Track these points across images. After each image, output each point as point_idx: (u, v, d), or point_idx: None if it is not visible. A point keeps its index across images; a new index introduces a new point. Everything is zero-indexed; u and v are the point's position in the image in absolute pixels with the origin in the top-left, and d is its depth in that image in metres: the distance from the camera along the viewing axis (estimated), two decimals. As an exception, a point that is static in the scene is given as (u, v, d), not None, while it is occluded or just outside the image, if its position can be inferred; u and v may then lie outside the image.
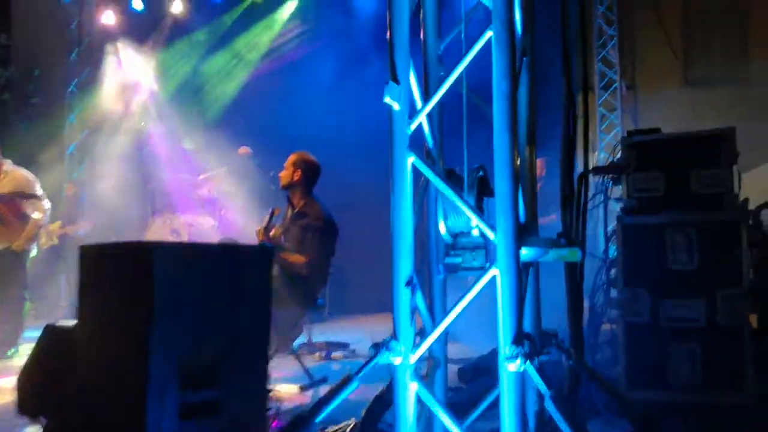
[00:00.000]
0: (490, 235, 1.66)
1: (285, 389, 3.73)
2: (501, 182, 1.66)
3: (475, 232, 1.79)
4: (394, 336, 1.74)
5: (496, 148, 1.68)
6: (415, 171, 1.81)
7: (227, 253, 2.09)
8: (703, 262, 2.90)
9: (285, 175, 4.26)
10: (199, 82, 8.61)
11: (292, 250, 4.01)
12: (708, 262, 2.90)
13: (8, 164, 5.12)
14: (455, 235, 1.89)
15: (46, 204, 5.15)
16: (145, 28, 8.52)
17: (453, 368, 3.44)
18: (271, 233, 3.95)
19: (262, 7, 8.43)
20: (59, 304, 7.21)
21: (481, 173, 1.83)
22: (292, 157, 4.26)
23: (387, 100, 1.72)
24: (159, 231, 7.09)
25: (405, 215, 1.72)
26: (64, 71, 8.87)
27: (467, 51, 1.77)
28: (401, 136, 1.75)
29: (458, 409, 1.89)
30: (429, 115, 1.88)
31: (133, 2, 8.28)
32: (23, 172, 5.14)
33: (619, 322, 3.22)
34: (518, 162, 1.72)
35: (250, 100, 8.14)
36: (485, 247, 1.79)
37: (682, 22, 8.48)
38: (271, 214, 3.86)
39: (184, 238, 7.02)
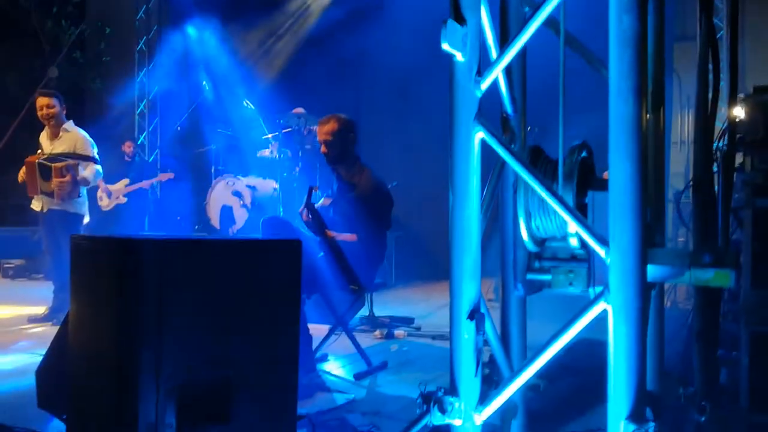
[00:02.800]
0: (600, 251, 1.09)
1: (337, 375, 3.36)
2: (619, 169, 1.09)
3: (573, 241, 1.21)
4: (452, 388, 1.21)
5: (612, 117, 1.10)
6: (488, 150, 1.25)
7: (240, 248, 1.64)
8: None
9: (332, 146, 3.42)
10: (261, 41, 8.30)
11: (343, 227, 3.52)
12: None
13: (69, 124, 4.98)
14: (543, 240, 1.33)
15: (99, 168, 4.98)
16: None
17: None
18: (317, 205, 3.48)
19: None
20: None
21: (584, 154, 1.23)
22: (332, 124, 3.41)
23: (445, 47, 1.14)
24: (221, 193, 7.06)
25: (469, 215, 1.17)
26: (133, 29, 8.82)
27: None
28: (466, 99, 1.18)
29: (539, 418, 1.43)
30: (507, 71, 1.30)
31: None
32: (80, 133, 5.01)
33: (740, 329, 2.69)
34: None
35: (310, 60, 7.76)
36: (588, 259, 1.22)
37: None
38: (309, 193, 3.34)
39: (246, 200, 6.93)
